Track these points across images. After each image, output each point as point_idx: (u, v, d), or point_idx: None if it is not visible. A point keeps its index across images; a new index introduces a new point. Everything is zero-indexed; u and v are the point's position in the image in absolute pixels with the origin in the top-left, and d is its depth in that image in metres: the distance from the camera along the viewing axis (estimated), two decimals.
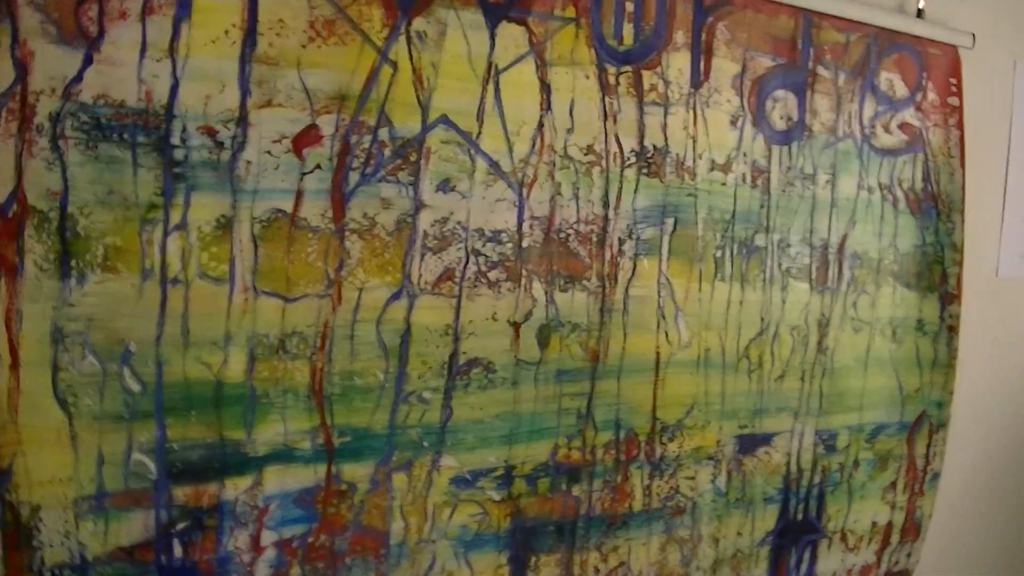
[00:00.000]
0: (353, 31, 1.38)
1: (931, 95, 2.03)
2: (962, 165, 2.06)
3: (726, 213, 1.76)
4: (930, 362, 2.07)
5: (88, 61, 1.22)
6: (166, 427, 1.31)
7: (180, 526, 1.33)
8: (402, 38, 1.42)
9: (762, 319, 1.83)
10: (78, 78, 1.22)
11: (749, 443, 1.85)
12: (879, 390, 2.02)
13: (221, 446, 1.35)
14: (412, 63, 1.43)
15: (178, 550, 1.34)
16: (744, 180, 1.78)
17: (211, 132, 1.30)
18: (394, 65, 1.42)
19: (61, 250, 1.22)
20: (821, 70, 1.86)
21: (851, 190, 1.94)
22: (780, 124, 1.81)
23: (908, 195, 2.01)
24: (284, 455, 1.40)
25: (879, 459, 2.04)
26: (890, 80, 1.96)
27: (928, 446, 2.10)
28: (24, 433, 1.22)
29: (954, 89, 2.06)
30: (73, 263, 1.23)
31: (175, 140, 1.28)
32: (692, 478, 1.79)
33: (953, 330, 2.09)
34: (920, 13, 2.02)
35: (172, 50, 1.27)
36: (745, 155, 1.77)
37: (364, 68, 1.40)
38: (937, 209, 2.05)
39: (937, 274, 2.06)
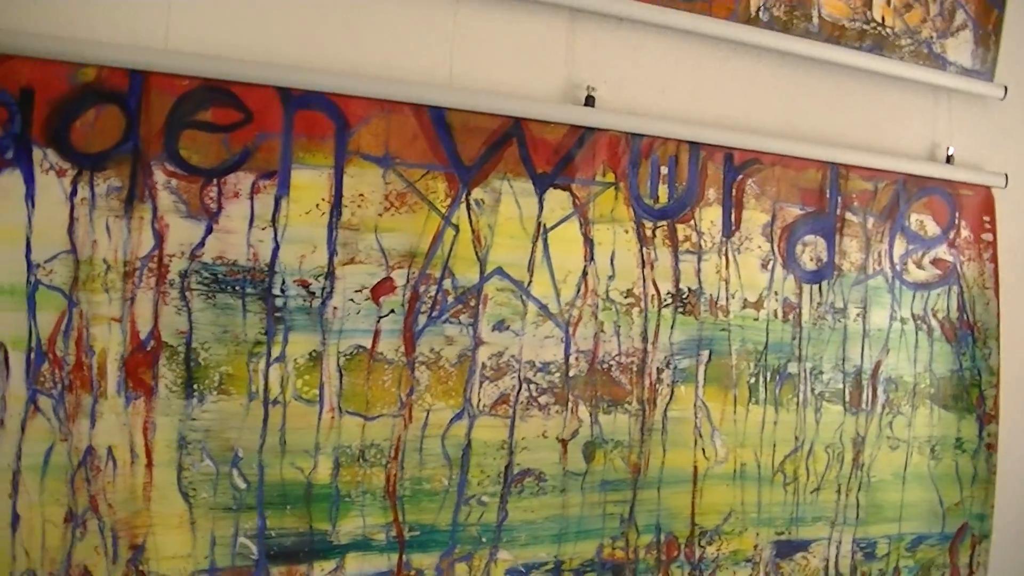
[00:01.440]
0: (421, 201, 1.70)
1: (964, 232, 2.24)
2: (996, 295, 2.25)
3: (759, 345, 1.99)
4: (970, 477, 2.24)
5: (209, 230, 1.57)
6: (266, 517, 1.62)
7: None
8: (463, 205, 1.73)
9: (796, 438, 2.04)
10: (201, 244, 1.57)
11: (786, 548, 2.05)
12: (918, 503, 2.19)
13: (310, 535, 1.65)
14: (471, 225, 1.73)
15: None
16: (776, 315, 2.01)
17: (305, 284, 1.63)
18: (456, 228, 1.72)
19: (186, 376, 1.56)
20: (849, 216, 2.09)
21: (883, 321, 2.13)
22: (810, 265, 2.05)
23: (943, 324, 2.20)
24: (363, 544, 1.69)
25: (921, 567, 2.20)
26: (921, 221, 2.18)
27: (971, 556, 2.26)
28: (154, 518, 1.55)
29: (988, 226, 2.26)
30: (195, 386, 1.56)
31: (276, 291, 1.61)
32: None
33: (992, 448, 2.25)
34: (950, 159, 2.21)
35: (274, 221, 1.61)
36: (776, 293, 2.00)
37: (430, 231, 1.71)
38: (973, 336, 2.23)
39: (975, 396, 2.24)
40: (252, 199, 1.61)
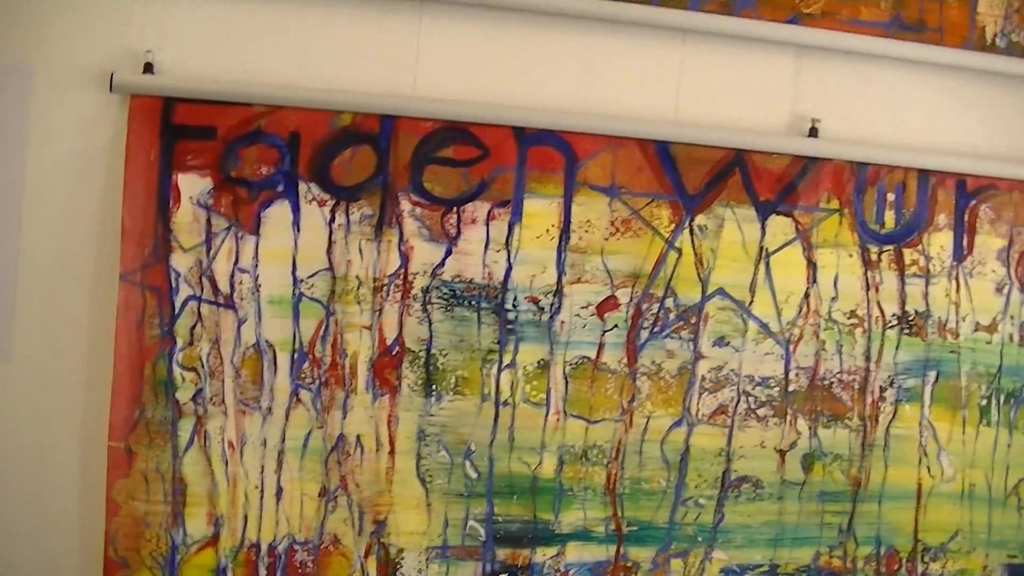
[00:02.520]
0: (645, 227, 1.58)
1: None
2: None
3: (991, 368, 1.79)
4: None
5: (448, 252, 1.57)
6: (494, 505, 1.60)
7: None
8: (686, 231, 1.64)
9: None
10: (441, 264, 1.57)
11: (1020, 573, 1.68)
12: None
13: (534, 523, 1.61)
14: (694, 249, 1.65)
15: None
16: (1011, 339, 1.75)
17: (535, 300, 1.60)
18: (679, 251, 1.64)
19: (426, 377, 1.57)
20: None
21: None
22: None
23: None
24: (583, 535, 1.62)
25: None
26: None
27: None
28: (395, 499, 1.57)
29: None
30: (434, 387, 1.58)
31: (508, 306, 1.60)
32: None
33: None
34: None
35: (507, 244, 1.59)
36: (1012, 317, 1.75)
37: (654, 254, 1.63)
38: None
39: None
40: (488, 225, 1.59)
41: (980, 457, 1.72)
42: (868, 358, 1.67)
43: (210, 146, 1.46)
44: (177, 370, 1.47)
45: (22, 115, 1.47)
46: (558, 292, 1.58)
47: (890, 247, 1.68)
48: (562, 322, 1.58)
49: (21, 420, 1.49)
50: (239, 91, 1.48)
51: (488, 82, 1.58)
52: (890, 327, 1.68)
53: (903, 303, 1.68)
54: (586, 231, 1.58)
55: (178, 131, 1.45)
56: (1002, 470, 1.73)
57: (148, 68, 1.45)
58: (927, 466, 1.70)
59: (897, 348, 1.68)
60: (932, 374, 1.70)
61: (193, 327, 1.48)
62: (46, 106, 1.46)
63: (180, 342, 1.47)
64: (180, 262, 1.47)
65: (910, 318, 1.68)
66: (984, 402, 1.72)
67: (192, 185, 1.46)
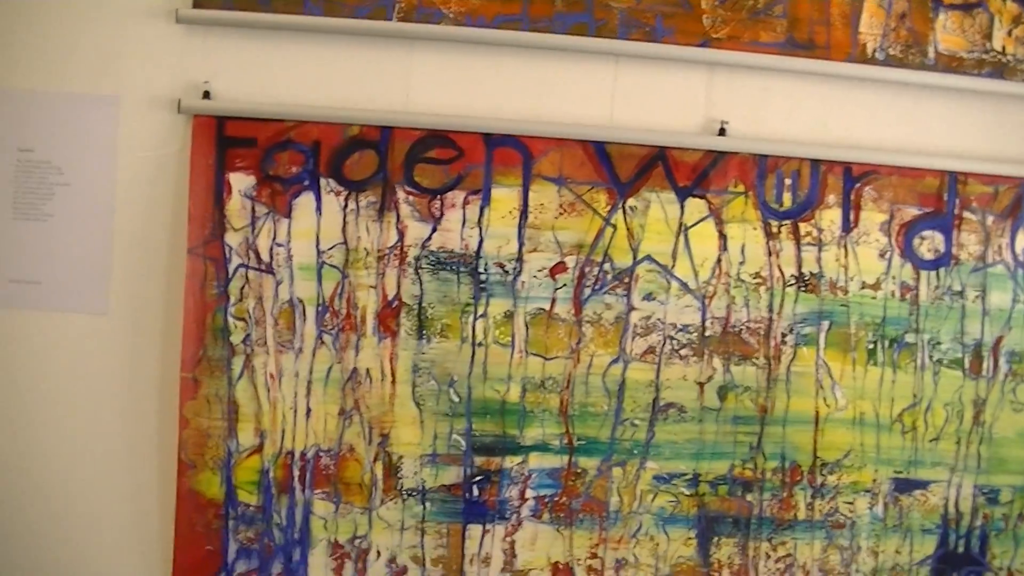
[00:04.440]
0: (587, 208, 2.03)
1: None
2: None
3: (876, 319, 2.12)
4: None
5: (434, 230, 2.01)
6: (472, 423, 2.03)
7: (477, 479, 2.04)
8: (620, 211, 2.05)
9: (914, 395, 2.13)
10: (429, 238, 2.01)
11: (905, 486, 2.14)
12: None
13: (504, 437, 2.04)
14: (626, 225, 2.06)
15: (475, 492, 2.02)
16: (893, 295, 2.11)
17: (501, 266, 2.04)
18: (614, 227, 2.06)
19: (419, 325, 2.02)
20: (967, 215, 2.13)
21: (1005, 303, 2.15)
22: (927, 255, 2.12)
23: None
24: (542, 447, 2.06)
25: None
26: None
27: None
28: (396, 418, 2.01)
29: None
30: (424, 332, 2.01)
31: (480, 270, 2.03)
32: (851, 503, 2.13)
33: None
34: None
35: (479, 223, 2.02)
36: (894, 278, 2.11)
37: (594, 229, 2.06)
38: None
39: None
40: (464, 209, 2.02)
41: (868, 391, 2.07)
42: (771, 310, 2.05)
43: (253, 152, 1.92)
44: (231, 320, 1.92)
45: (114, 132, 1.94)
46: (519, 259, 1.98)
47: (788, 222, 2.05)
48: (523, 282, 1.99)
49: (117, 359, 1.95)
50: (274, 110, 1.93)
51: (463, 99, 1.99)
52: (789, 285, 2.05)
53: (799, 266, 2.05)
54: (540, 212, 1.99)
55: (229, 142, 1.91)
56: (888, 402, 2.08)
57: (206, 95, 1.91)
58: (823, 397, 2.06)
59: (795, 302, 2.05)
60: (826, 323, 2.06)
61: (242, 288, 1.93)
62: (131, 125, 1.93)
63: (232, 299, 1.92)
64: (232, 239, 1.92)
65: (806, 278, 2.06)
66: (871, 346, 2.07)
67: (240, 181, 1.92)
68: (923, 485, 2.13)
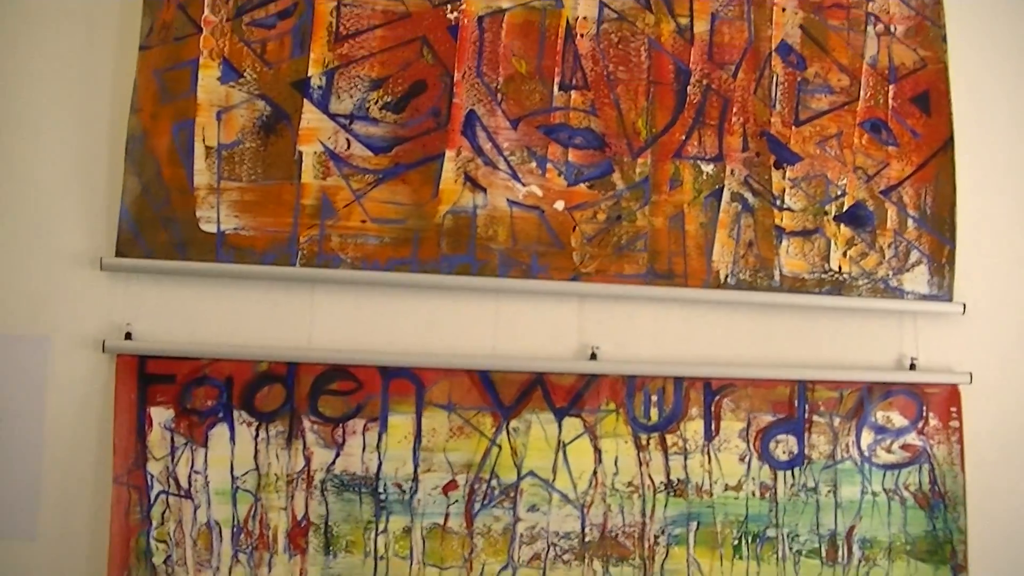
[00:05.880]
0: (474, 431, 2.29)
1: (933, 422, 2.45)
2: (963, 470, 2.44)
3: (740, 516, 2.37)
4: None
5: (337, 455, 2.23)
6: None
7: None
8: (504, 432, 2.30)
9: None
10: (333, 463, 2.22)
11: None
12: None
13: None
14: (510, 444, 2.31)
15: None
16: (754, 495, 2.37)
17: (399, 486, 2.27)
18: (499, 447, 2.31)
19: (326, 542, 2.24)
20: (817, 418, 2.41)
21: (855, 496, 2.41)
22: (783, 456, 2.40)
23: (916, 495, 2.43)
24: None
25: None
26: (888, 416, 2.44)
27: None
28: None
29: (955, 415, 2.46)
30: (331, 547, 2.22)
31: (380, 490, 2.26)
32: None
33: None
34: (913, 365, 2.46)
35: (378, 447, 2.26)
36: (753, 479, 2.37)
37: (481, 449, 2.30)
38: (944, 503, 2.44)
39: (948, 551, 2.43)
40: (364, 435, 2.26)
41: None
42: (644, 514, 2.28)
43: (172, 388, 2.14)
44: (153, 543, 2.10)
45: (43, 371, 2.15)
46: (415, 479, 2.19)
47: (656, 434, 2.31)
48: (419, 499, 2.19)
49: None
50: (191, 349, 2.17)
51: (361, 335, 2.24)
52: (659, 491, 2.29)
53: (668, 473, 2.29)
54: (433, 436, 2.23)
55: (150, 378, 2.14)
56: None
57: (128, 336, 2.14)
58: None
59: (666, 506, 2.29)
60: (694, 523, 2.29)
61: (163, 512, 2.11)
62: (59, 364, 2.15)
63: (155, 523, 2.11)
64: (154, 468, 2.12)
65: (674, 484, 2.30)
66: (736, 542, 2.31)
67: (160, 415, 2.14)
68: None
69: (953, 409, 2.48)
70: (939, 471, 2.46)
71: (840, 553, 2.41)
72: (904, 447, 2.45)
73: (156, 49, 2.23)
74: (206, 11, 2.25)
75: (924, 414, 2.46)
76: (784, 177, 2.44)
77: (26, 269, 2.20)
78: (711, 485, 2.37)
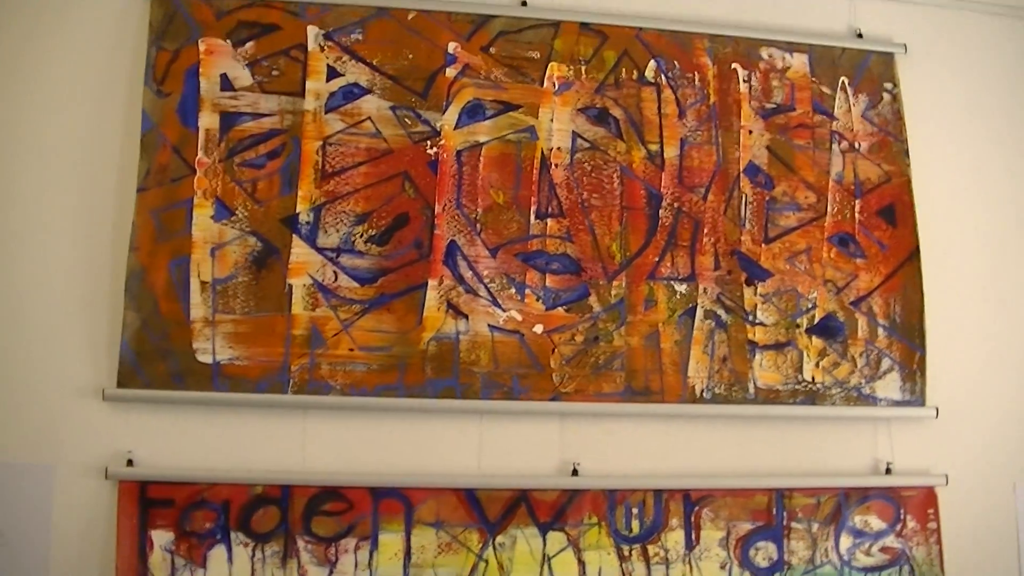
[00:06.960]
0: (461, 547, 2.40)
1: (911, 524, 2.54)
2: (942, 570, 2.53)
3: None
4: None
5: (331, 573, 2.35)
6: None
7: None
8: (490, 547, 2.41)
9: None
10: None
11: None
12: None
13: None
14: (496, 559, 2.41)
15: None
16: None
17: None
18: (486, 562, 2.41)
19: None
20: (795, 524, 2.51)
21: None
22: (763, 563, 2.49)
23: None
24: None
25: None
26: (866, 520, 2.53)
27: None
28: None
29: (932, 516, 2.56)
30: None
31: None
32: None
33: None
34: (889, 470, 2.56)
35: (369, 565, 2.36)
36: None
37: (469, 564, 2.40)
38: None
39: None
40: (355, 553, 2.36)
41: None
42: None
43: (171, 512, 2.25)
44: None
45: (48, 497, 2.26)
46: None
47: (637, 545, 2.39)
48: None
49: None
50: (189, 475, 2.27)
51: (351, 458, 2.36)
52: None
53: None
54: (421, 553, 2.32)
55: (150, 503, 2.24)
56: None
57: (130, 463, 2.25)
58: None
59: None
60: None
61: None
62: (63, 490, 2.25)
63: None
64: None
65: None
66: None
67: (161, 537, 2.24)
68: None
69: (931, 511, 2.57)
70: (919, 572, 2.55)
71: None
72: (883, 550, 2.54)
73: (153, 191, 2.39)
74: (199, 153, 2.42)
75: (902, 517, 2.56)
76: (756, 293, 2.57)
77: (32, 400, 2.32)
78: None
